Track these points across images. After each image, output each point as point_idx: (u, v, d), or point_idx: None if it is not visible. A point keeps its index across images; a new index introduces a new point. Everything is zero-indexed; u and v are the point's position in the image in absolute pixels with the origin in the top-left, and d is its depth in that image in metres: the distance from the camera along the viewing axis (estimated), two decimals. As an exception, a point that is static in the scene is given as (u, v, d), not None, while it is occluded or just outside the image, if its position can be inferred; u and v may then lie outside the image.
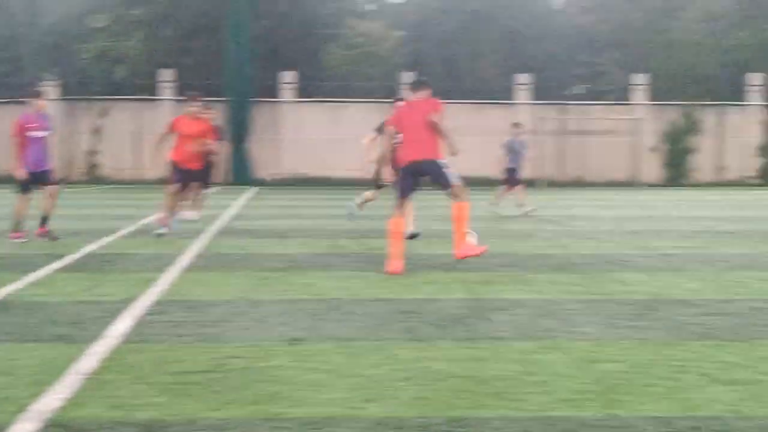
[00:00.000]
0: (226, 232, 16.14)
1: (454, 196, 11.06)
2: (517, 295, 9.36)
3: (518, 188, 21.29)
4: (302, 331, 7.39)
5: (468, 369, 6.19)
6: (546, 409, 5.28)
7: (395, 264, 10.96)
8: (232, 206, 23.60)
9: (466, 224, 11.08)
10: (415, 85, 11.62)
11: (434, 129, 11.09)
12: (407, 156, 11.18)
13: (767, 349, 6.86)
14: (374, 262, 11.82)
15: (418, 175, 11.28)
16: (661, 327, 7.68)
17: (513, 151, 21.38)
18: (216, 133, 16.70)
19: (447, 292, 9.48)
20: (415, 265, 11.47)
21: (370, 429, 4.91)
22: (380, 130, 14.81)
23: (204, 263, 11.68)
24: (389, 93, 40.76)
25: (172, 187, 15.26)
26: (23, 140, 14.07)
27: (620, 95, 42.54)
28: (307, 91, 39.19)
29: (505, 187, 21.53)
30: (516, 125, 22.33)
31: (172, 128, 15.25)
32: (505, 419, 5.07)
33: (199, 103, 15.68)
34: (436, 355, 6.61)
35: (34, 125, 14.12)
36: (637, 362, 6.41)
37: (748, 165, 41.29)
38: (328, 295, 9.25)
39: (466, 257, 11.06)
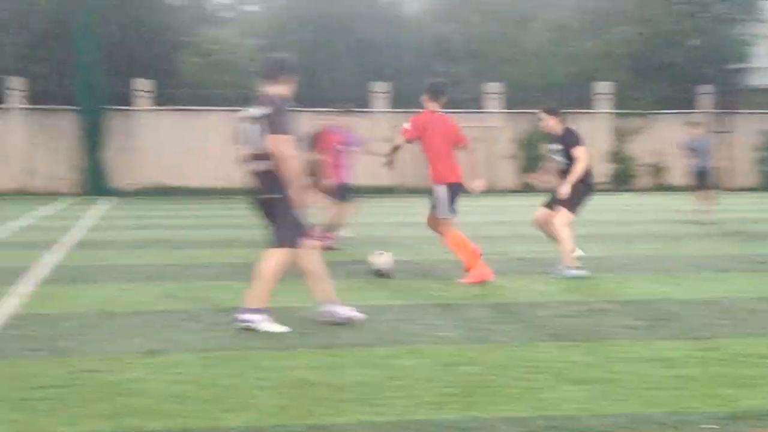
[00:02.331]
0: (81, 243, 15.72)
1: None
2: (381, 301, 9.42)
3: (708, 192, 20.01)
4: (160, 343, 7.27)
5: (327, 376, 6.20)
6: (407, 413, 5.33)
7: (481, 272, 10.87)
8: (87, 217, 23.02)
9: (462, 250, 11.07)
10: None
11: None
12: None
13: (617, 348, 7.08)
14: (238, 272, 11.72)
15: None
16: (516, 329, 7.84)
17: (695, 150, 19.90)
18: None
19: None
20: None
21: (229, 439, 4.88)
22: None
23: (58, 276, 11.36)
24: (245, 101, 40.42)
25: None
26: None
27: (475, 104, 43.28)
28: (162, 99, 38.56)
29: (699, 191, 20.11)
30: (692, 124, 20.85)
31: None
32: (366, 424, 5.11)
33: None
34: (296, 363, 6.60)
35: None
36: (494, 364, 6.53)
37: (600, 171, 42.55)
38: (188, 306, 9.12)
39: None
